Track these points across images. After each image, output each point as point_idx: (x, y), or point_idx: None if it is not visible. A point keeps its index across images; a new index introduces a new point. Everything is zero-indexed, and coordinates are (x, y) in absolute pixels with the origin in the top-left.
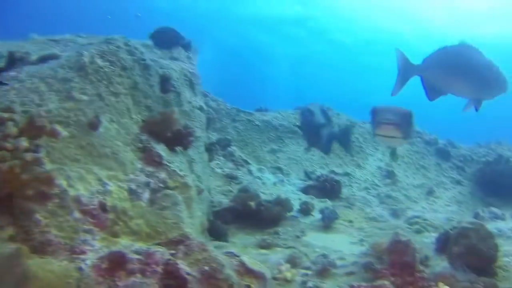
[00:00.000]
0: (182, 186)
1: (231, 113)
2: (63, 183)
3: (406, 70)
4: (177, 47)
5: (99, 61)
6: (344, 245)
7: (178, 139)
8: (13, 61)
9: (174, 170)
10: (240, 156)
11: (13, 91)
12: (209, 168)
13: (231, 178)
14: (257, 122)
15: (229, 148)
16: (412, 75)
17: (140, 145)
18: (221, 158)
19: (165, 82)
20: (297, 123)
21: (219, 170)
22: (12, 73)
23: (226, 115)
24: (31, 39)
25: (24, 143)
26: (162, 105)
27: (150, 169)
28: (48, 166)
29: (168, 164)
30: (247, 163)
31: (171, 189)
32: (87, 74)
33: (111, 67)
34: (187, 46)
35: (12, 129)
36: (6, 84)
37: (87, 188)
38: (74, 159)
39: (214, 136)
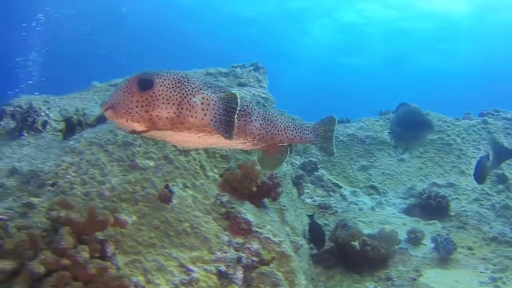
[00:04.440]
0: (280, 257)
1: None
2: (140, 280)
3: None
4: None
5: None
6: None
7: (265, 192)
8: (72, 127)
9: (268, 237)
10: (330, 179)
11: (72, 168)
12: (299, 203)
13: (324, 208)
14: (341, 138)
15: (316, 172)
16: None
17: (222, 210)
18: (310, 185)
19: None
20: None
21: (309, 200)
22: (71, 143)
23: None
24: (93, 87)
25: (84, 254)
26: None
27: (238, 240)
28: (121, 260)
29: (259, 230)
30: (339, 186)
31: (267, 263)
32: None
33: None
34: (255, 68)
35: (68, 240)
36: None
37: (169, 280)
38: (148, 244)
39: (297, 161)
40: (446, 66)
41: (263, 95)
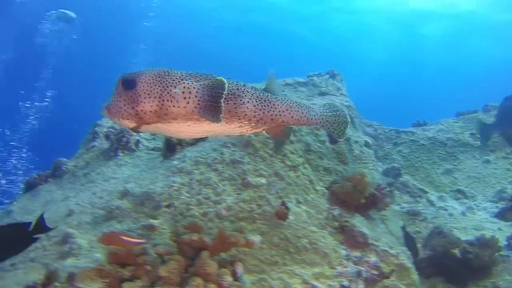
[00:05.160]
0: (399, 269)
1: (391, 136)
2: None
3: None
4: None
5: (264, 131)
6: None
7: (373, 203)
8: (172, 146)
9: (385, 250)
10: (415, 185)
11: (185, 189)
12: (393, 212)
13: (413, 215)
14: (422, 141)
15: (400, 178)
16: None
17: (335, 223)
18: (395, 191)
19: None
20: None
21: (397, 207)
22: (175, 162)
23: (386, 139)
24: None
25: (227, 278)
26: (336, 160)
27: (356, 253)
28: (248, 280)
29: (375, 243)
30: (424, 192)
31: (387, 276)
32: (256, 150)
33: None
34: (331, 76)
35: (212, 265)
36: None
37: None
38: (271, 262)
39: (379, 167)
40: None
41: (346, 103)
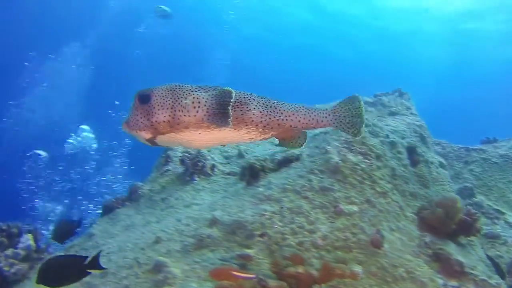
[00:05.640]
0: None
1: (460, 154)
2: None
3: None
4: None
5: (351, 157)
6: None
7: (464, 229)
8: (255, 174)
9: (484, 280)
10: (490, 205)
11: (276, 217)
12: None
13: (491, 238)
14: (494, 159)
15: (474, 198)
16: None
17: (428, 251)
18: None
19: (412, 153)
20: None
21: None
22: (261, 189)
23: (456, 158)
24: None
25: None
26: (418, 183)
27: (453, 283)
28: None
29: (472, 272)
30: (501, 213)
31: None
32: (345, 176)
33: (367, 160)
34: (399, 94)
35: None
36: None
37: None
38: None
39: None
40: None
41: (417, 123)
